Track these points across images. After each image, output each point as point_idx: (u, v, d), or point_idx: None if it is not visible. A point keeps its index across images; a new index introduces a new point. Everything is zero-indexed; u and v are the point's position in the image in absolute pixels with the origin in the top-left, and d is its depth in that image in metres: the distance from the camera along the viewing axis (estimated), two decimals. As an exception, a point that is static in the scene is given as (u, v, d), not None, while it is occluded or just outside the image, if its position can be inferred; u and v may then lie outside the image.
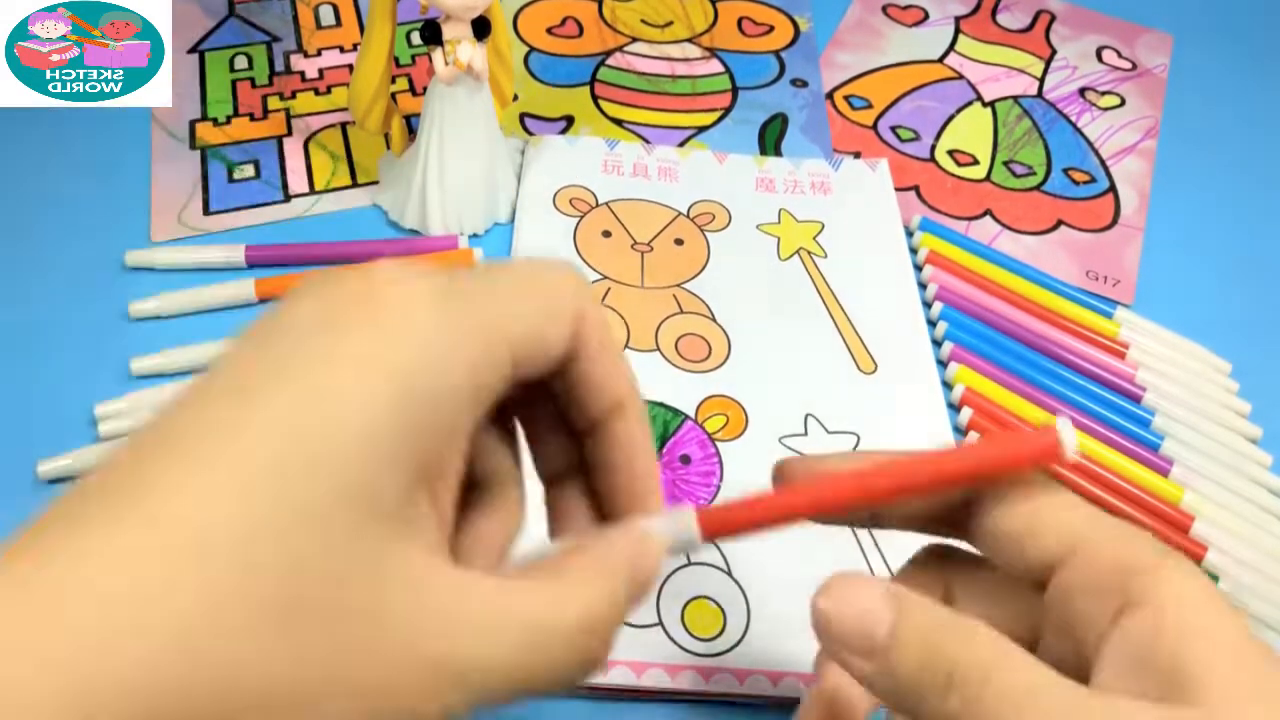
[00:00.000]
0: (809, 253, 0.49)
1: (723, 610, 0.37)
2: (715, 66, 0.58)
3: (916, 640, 0.21)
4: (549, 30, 0.59)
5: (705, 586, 0.37)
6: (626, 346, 0.44)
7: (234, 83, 0.54)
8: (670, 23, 0.61)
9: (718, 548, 0.38)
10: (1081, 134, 0.58)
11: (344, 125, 0.52)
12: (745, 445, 0.41)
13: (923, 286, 0.48)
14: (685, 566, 0.37)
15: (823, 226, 0.50)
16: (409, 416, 0.18)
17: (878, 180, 0.52)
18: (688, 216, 0.50)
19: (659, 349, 0.44)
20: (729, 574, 0.38)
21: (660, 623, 0.36)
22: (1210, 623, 0.20)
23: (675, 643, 0.36)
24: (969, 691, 0.20)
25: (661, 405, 0.42)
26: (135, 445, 0.18)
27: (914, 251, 0.50)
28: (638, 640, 0.36)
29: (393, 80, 0.48)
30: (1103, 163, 0.56)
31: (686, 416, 0.42)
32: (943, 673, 0.20)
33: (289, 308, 0.19)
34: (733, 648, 0.36)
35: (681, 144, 0.54)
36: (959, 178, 0.54)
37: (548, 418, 0.24)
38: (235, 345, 0.19)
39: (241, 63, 0.55)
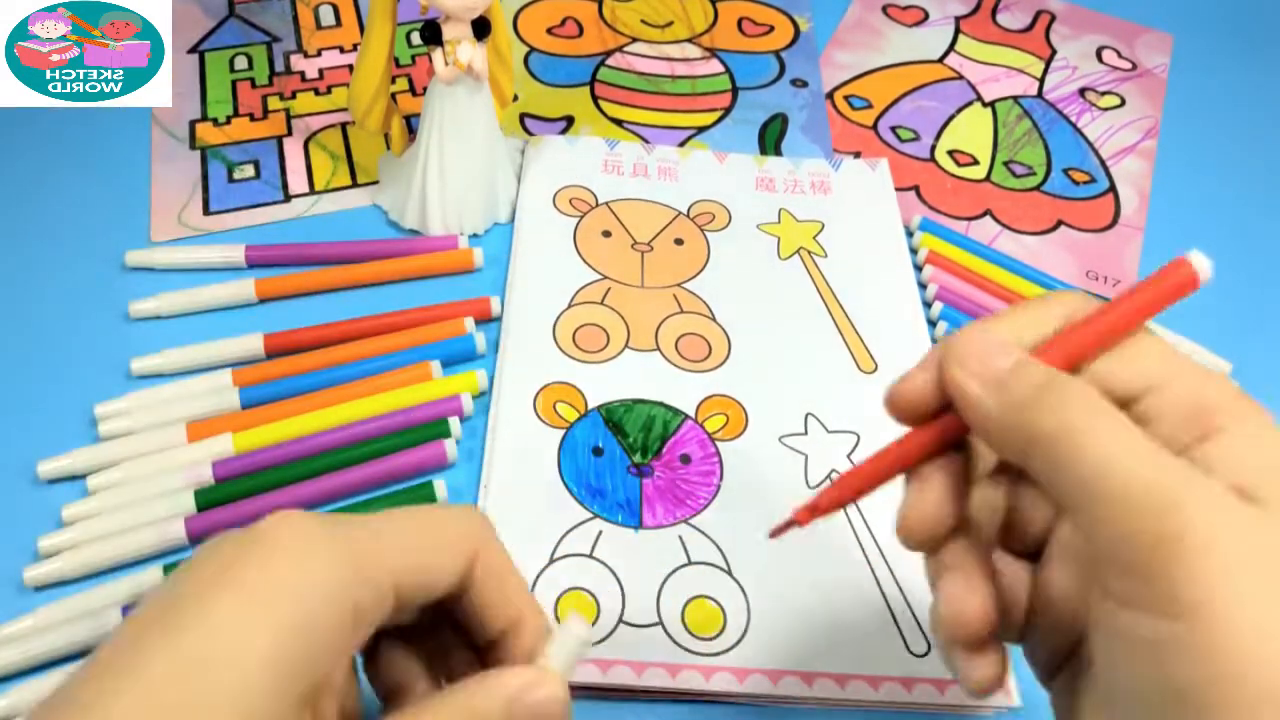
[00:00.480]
0: (809, 252, 0.49)
1: (723, 609, 0.37)
2: (715, 66, 0.58)
3: (1032, 374, 0.24)
4: (549, 30, 0.59)
5: (705, 585, 0.37)
6: (626, 347, 0.44)
7: (234, 83, 0.54)
8: (670, 23, 0.61)
9: (718, 548, 0.38)
10: (1081, 134, 0.58)
11: (344, 125, 0.52)
12: (745, 445, 0.41)
13: (923, 286, 0.48)
14: (685, 566, 0.37)
15: (823, 226, 0.50)
16: (290, 648, 0.21)
17: (878, 180, 0.52)
18: (688, 216, 0.50)
19: (659, 349, 0.44)
20: (729, 573, 0.38)
21: (660, 622, 0.36)
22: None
23: (675, 642, 0.36)
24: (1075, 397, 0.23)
25: (662, 405, 0.42)
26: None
27: (914, 251, 0.50)
28: (638, 640, 0.36)
29: (393, 80, 0.48)
30: (1103, 163, 0.56)
31: (686, 416, 0.42)
32: (1048, 391, 0.23)
33: (191, 560, 0.23)
34: (733, 647, 0.36)
35: (681, 144, 0.54)
36: (959, 178, 0.54)
37: (451, 637, 0.27)
38: (145, 600, 0.22)
39: (241, 63, 0.55)
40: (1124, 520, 0.21)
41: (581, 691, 0.35)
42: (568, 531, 0.38)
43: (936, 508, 0.25)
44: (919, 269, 0.49)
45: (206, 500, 0.38)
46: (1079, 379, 0.24)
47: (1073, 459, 0.22)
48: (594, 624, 0.36)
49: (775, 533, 0.28)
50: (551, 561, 0.37)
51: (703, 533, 0.38)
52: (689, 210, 0.50)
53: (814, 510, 0.27)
